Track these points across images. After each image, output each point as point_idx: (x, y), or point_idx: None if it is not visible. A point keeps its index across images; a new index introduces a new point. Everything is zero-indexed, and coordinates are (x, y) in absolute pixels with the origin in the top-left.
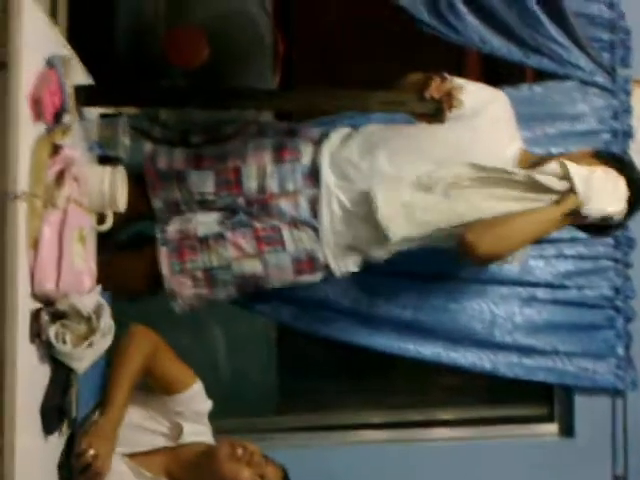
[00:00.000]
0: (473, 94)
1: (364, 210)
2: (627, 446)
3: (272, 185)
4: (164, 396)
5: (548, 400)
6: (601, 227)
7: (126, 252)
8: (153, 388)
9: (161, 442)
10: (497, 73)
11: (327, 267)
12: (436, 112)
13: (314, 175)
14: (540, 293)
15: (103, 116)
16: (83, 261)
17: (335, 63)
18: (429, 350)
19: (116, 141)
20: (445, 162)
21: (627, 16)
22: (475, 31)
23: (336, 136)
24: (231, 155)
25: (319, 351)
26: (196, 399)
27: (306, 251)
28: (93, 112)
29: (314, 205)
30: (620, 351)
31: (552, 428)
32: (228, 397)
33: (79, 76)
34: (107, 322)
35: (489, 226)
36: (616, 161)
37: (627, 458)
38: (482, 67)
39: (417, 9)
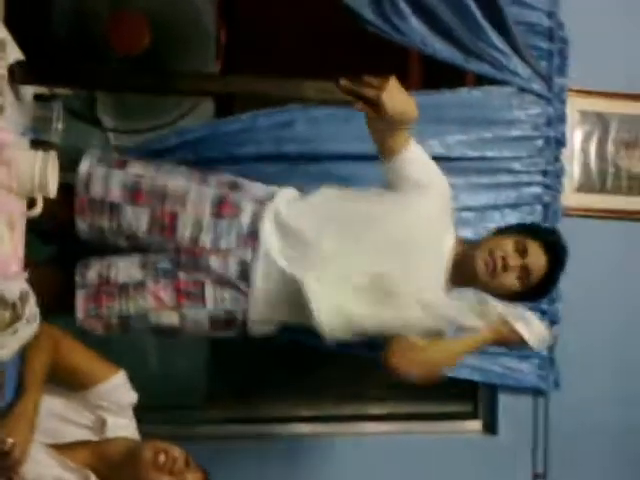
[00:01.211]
0: (423, 167)
1: (295, 290)
2: (547, 445)
3: (205, 239)
4: (84, 390)
5: (472, 397)
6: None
7: (45, 269)
8: (71, 384)
9: (85, 434)
10: (438, 76)
11: (244, 325)
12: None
13: (250, 236)
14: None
15: (38, 99)
16: (10, 247)
17: (276, 57)
18: (359, 345)
19: (50, 125)
20: (383, 252)
21: (565, 26)
22: (418, 33)
23: (281, 199)
24: (170, 197)
25: (253, 342)
26: (117, 391)
27: (225, 310)
28: (28, 95)
29: (244, 267)
30: (544, 352)
31: (476, 425)
32: (157, 388)
33: (15, 58)
34: (32, 309)
35: (415, 351)
36: (527, 230)
37: (547, 456)
38: (423, 69)
39: (361, 8)
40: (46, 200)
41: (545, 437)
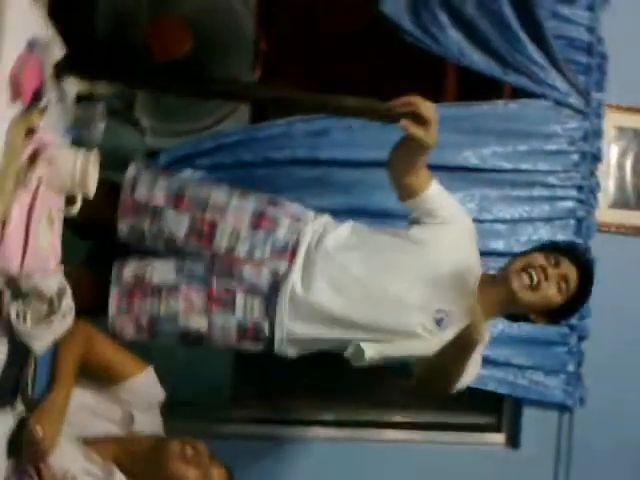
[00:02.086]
0: (445, 199)
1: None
2: (570, 461)
3: (241, 250)
4: (114, 385)
5: (497, 410)
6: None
7: (80, 269)
8: (102, 379)
9: (112, 429)
10: (474, 88)
11: (271, 341)
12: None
13: (285, 250)
14: None
15: (80, 99)
16: (49, 242)
17: (316, 67)
18: None
19: (91, 125)
20: (418, 282)
21: (605, 41)
22: (456, 44)
23: (322, 222)
24: (211, 206)
25: None
26: (146, 387)
27: (253, 321)
28: (71, 95)
29: (276, 278)
30: (571, 368)
31: (499, 438)
32: (184, 386)
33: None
34: (68, 304)
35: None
36: (550, 247)
37: (569, 473)
38: (460, 81)
39: (400, 17)
40: (86, 199)
41: (568, 453)
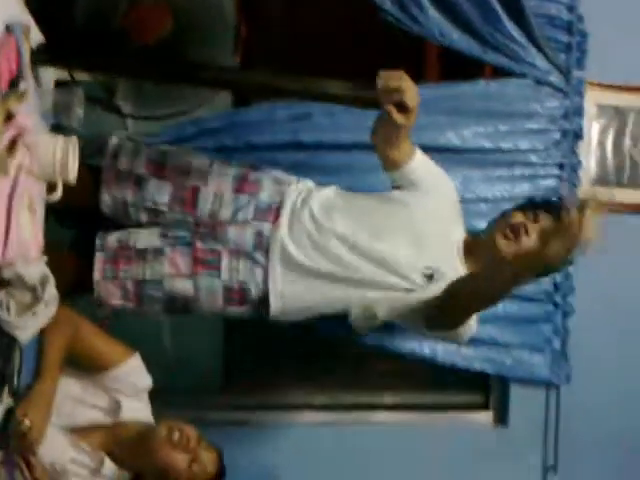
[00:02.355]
0: (428, 170)
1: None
2: (558, 437)
3: (225, 213)
4: (100, 372)
5: (484, 388)
6: None
7: (63, 254)
8: (88, 367)
9: (100, 417)
10: (455, 68)
11: (260, 304)
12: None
13: (269, 211)
14: None
15: (58, 85)
16: (31, 230)
17: (296, 51)
18: (371, 335)
19: (70, 111)
20: (402, 241)
21: (585, 19)
22: (436, 24)
23: (303, 185)
24: (193, 172)
25: (267, 328)
26: (132, 374)
27: (239, 282)
28: (49, 80)
29: (260, 238)
30: (556, 345)
31: (487, 416)
32: (172, 372)
33: (37, 41)
34: (51, 292)
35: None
36: (529, 204)
37: (557, 449)
38: (440, 61)
39: None
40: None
41: (556, 430)
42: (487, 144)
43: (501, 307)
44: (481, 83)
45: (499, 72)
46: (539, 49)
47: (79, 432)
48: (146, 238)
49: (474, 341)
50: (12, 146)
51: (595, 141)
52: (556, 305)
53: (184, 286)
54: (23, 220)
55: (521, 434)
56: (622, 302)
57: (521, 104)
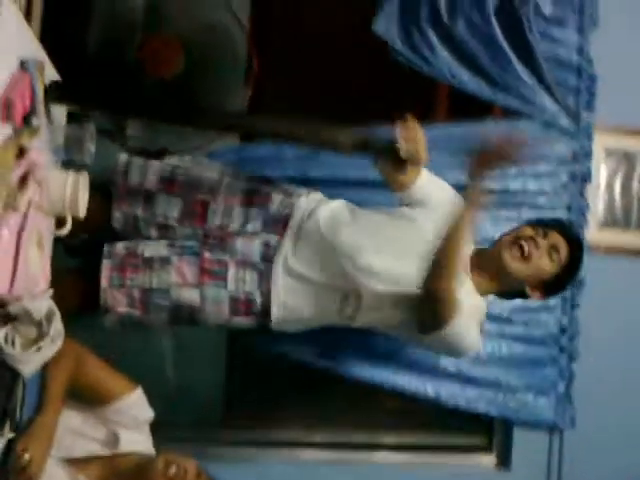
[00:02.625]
0: (435, 186)
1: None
2: None
3: (234, 225)
4: (102, 405)
5: (488, 430)
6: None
7: (71, 270)
8: (90, 399)
9: (97, 449)
10: (464, 108)
11: (264, 314)
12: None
13: (278, 222)
14: (487, 326)
15: (70, 120)
16: (38, 265)
17: (307, 88)
18: (375, 373)
19: (82, 146)
20: (407, 255)
21: (594, 62)
22: (446, 64)
23: (313, 197)
24: (203, 187)
25: (268, 364)
26: (134, 408)
27: (245, 292)
28: (61, 116)
29: (267, 249)
30: (561, 388)
31: (490, 459)
32: (174, 406)
33: (51, 78)
34: (57, 328)
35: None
36: (537, 221)
37: None
38: (450, 101)
39: (391, 38)
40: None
41: (559, 475)
42: (495, 185)
43: (506, 349)
44: (490, 123)
45: (507, 113)
46: (548, 91)
47: (77, 464)
48: (153, 247)
49: (478, 382)
50: (23, 182)
51: (603, 184)
52: (562, 348)
53: (190, 295)
54: (32, 255)
55: (524, 478)
56: (629, 345)
57: (530, 146)
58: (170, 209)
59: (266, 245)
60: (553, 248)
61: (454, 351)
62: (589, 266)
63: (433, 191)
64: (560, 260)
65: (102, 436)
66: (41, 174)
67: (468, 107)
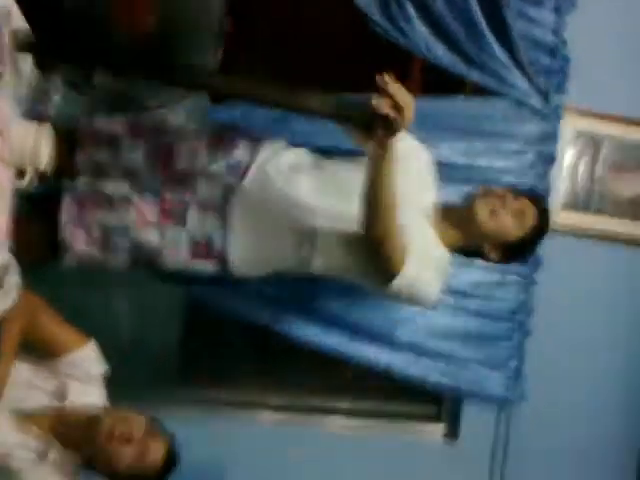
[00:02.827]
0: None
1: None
2: (506, 455)
3: (197, 165)
4: (54, 358)
5: (437, 400)
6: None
7: (31, 213)
8: (42, 352)
9: (46, 401)
10: (438, 83)
11: (224, 258)
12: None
13: (240, 167)
14: (445, 298)
15: (37, 68)
16: None
17: (281, 54)
18: (330, 340)
19: (47, 97)
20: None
21: (569, 45)
22: (422, 38)
23: (278, 146)
24: (169, 132)
25: (226, 325)
26: (86, 361)
27: (205, 234)
28: (26, 65)
29: (229, 192)
30: (513, 363)
31: (438, 428)
32: (129, 362)
33: (19, 27)
34: (13, 281)
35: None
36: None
37: (504, 467)
38: (424, 76)
39: (370, 8)
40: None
41: (505, 447)
42: (461, 160)
43: (462, 323)
44: (461, 99)
45: (480, 90)
46: (521, 70)
47: (27, 415)
48: (114, 185)
49: (432, 354)
50: None
51: (568, 166)
52: (517, 325)
53: (150, 235)
54: None
55: (470, 449)
56: (582, 322)
57: (499, 123)
58: (135, 154)
59: (228, 188)
60: (520, 212)
61: (412, 301)
62: (549, 245)
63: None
64: (524, 226)
65: (53, 388)
66: (4, 124)
67: (441, 83)
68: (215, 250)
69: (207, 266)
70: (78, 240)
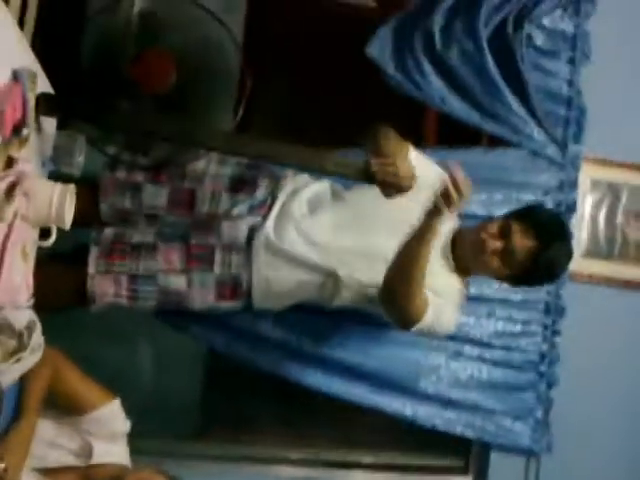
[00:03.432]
0: (418, 161)
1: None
2: None
3: (220, 209)
4: (78, 415)
5: (465, 452)
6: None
7: (59, 263)
8: (66, 409)
9: (71, 460)
10: (453, 134)
11: (249, 294)
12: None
13: (263, 205)
14: (467, 349)
15: (60, 127)
16: (22, 276)
17: (297, 108)
18: (353, 391)
19: (71, 158)
20: (391, 232)
21: (584, 94)
22: (437, 90)
23: (300, 180)
24: (189, 176)
25: (248, 376)
26: (110, 419)
27: (231, 276)
28: (50, 126)
29: (252, 233)
30: (539, 414)
31: None
32: (150, 418)
33: (43, 89)
34: (37, 339)
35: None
36: (518, 213)
37: None
38: (440, 126)
39: (385, 62)
40: None
41: None
42: (480, 211)
43: (486, 373)
44: (479, 151)
45: (496, 141)
46: (537, 121)
47: (51, 474)
48: (141, 233)
49: (457, 405)
50: (10, 192)
51: (588, 214)
52: (541, 374)
53: (178, 282)
54: (16, 266)
55: None
56: (608, 373)
57: (516, 174)
58: (157, 199)
59: (252, 229)
60: (505, 253)
61: (432, 335)
62: (572, 294)
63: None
64: (513, 265)
65: (76, 447)
66: (28, 185)
67: (457, 136)
68: (241, 290)
69: (233, 306)
70: (106, 291)
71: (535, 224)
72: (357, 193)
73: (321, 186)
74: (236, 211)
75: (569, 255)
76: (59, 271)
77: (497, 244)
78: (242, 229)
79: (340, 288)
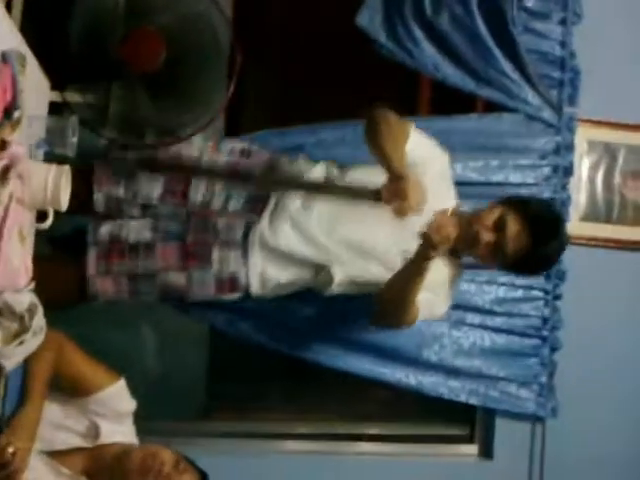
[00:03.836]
0: (418, 146)
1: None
2: (543, 472)
3: (216, 203)
4: (84, 396)
5: (470, 421)
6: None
7: (56, 259)
8: (72, 390)
9: (78, 442)
10: (448, 101)
11: (247, 287)
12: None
13: (258, 201)
14: (469, 317)
15: (52, 108)
16: (20, 259)
17: (289, 81)
18: (357, 363)
19: (64, 139)
20: (383, 226)
21: (578, 56)
22: (430, 58)
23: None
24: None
25: (252, 355)
26: (116, 399)
27: (229, 272)
28: (43, 106)
29: (248, 230)
30: (543, 379)
31: (472, 449)
32: (156, 397)
33: (33, 72)
34: (39, 322)
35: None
36: (516, 203)
37: None
38: (433, 94)
39: (375, 31)
40: None
41: (541, 464)
42: (477, 177)
43: (488, 340)
44: (473, 117)
45: (491, 107)
46: (531, 85)
47: (59, 456)
48: (137, 231)
49: (460, 373)
50: (4, 175)
51: (585, 177)
52: (544, 339)
53: (177, 279)
54: (13, 249)
55: (506, 468)
56: (609, 334)
57: (512, 139)
58: (151, 188)
59: (248, 225)
60: (496, 245)
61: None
62: (571, 258)
63: (416, 158)
64: (505, 256)
65: (83, 428)
66: (22, 167)
67: (451, 103)
68: (240, 284)
69: (233, 297)
70: (106, 290)
71: (531, 220)
72: (354, 172)
73: (316, 173)
74: (232, 205)
75: (562, 250)
76: (59, 271)
77: (491, 237)
78: (238, 226)
79: (333, 282)
